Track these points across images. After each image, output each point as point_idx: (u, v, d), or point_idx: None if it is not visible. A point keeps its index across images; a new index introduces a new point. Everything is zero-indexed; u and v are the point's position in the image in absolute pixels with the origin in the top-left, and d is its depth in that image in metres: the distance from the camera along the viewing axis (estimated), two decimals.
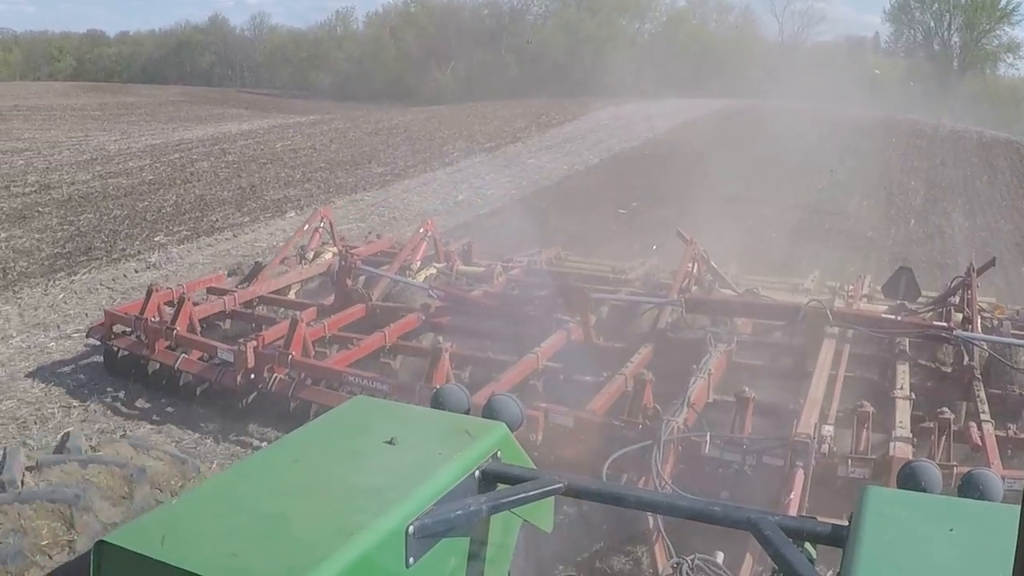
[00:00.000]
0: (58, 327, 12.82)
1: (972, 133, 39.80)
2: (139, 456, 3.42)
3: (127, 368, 10.48)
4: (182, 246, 18.50)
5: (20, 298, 14.39)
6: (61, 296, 14.66)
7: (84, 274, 16.14)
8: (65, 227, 20.05)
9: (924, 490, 2.79)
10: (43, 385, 10.59)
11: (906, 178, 28.41)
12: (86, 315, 13.28)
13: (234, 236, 19.72)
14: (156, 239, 19.03)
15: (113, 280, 15.77)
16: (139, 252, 17.80)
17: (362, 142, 35.78)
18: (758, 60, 71.69)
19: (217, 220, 21.21)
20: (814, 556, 2.62)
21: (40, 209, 21.96)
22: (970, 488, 2.77)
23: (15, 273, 16.04)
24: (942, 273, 16.48)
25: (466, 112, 46.35)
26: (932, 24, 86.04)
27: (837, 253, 18.08)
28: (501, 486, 2.91)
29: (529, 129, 38.56)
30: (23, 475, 3.16)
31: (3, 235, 19.14)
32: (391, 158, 31.24)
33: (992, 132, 40.39)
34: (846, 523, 2.55)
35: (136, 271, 16.42)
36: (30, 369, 11.08)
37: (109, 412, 9.82)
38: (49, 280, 15.52)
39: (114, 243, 18.60)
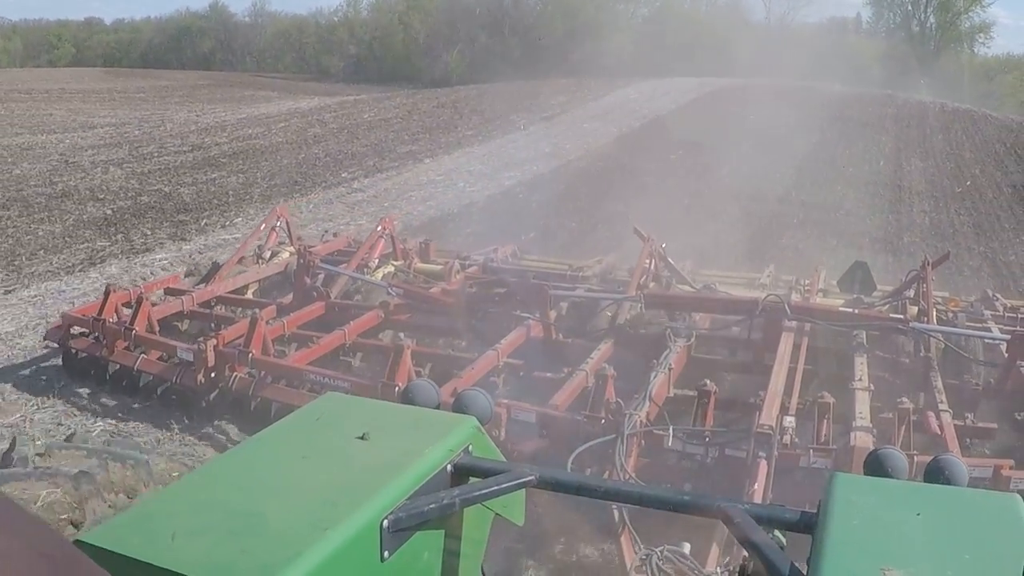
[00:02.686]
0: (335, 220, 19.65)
1: (936, 104, 45.81)
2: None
3: (86, 370, 10.41)
4: (365, 180, 25.49)
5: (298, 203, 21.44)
6: (311, 206, 21.76)
7: (314, 194, 23.38)
8: (254, 170, 27.03)
9: (890, 476, 2.82)
10: None
11: (879, 136, 34.38)
12: (349, 213, 20.91)
13: (397, 174, 26.50)
14: (343, 175, 26.36)
15: (338, 196, 23.04)
16: (340, 183, 25.09)
17: (435, 113, 42.24)
18: (747, 42, 74.92)
19: (373, 165, 28.14)
20: (784, 543, 2.64)
21: (220, 160, 29.06)
22: (936, 473, 2.79)
23: (257, 195, 23.34)
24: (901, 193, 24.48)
25: (509, 89, 51.71)
26: (910, 7, 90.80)
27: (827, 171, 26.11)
28: (473, 479, 2.92)
29: (571, 103, 44.06)
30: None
31: (212, 175, 26.21)
32: (471, 124, 37.54)
33: (954, 104, 46.70)
34: (814, 510, 2.58)
35: (349, 192, 23.61)
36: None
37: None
38: (294, 197, 22.57)
39: (316, 178, 25.71)
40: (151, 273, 15.35)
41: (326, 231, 15.54)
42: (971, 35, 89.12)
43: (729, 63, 61.44)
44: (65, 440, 3.42)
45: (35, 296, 14.23)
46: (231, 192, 23.66)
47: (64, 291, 14.44)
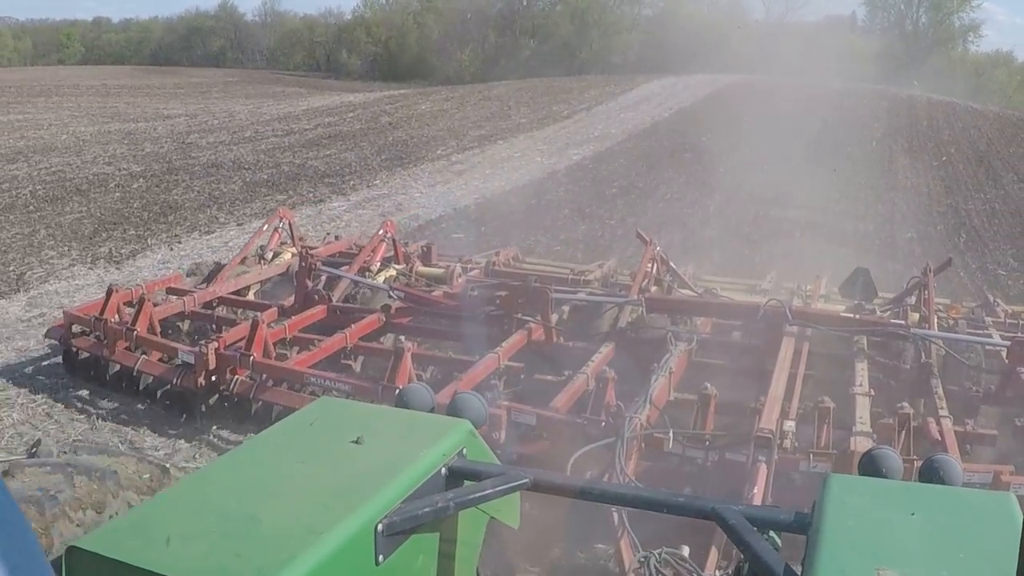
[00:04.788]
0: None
1: (924, 98, 50.59)
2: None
3: (87, 370, 10.41)
4: (458, 156, 29.82)
5: (400, 176, 26.16)
6: (426, 174, 26.58)
7: (424, 166, 27.87)
8: (358, 149, 31.23)
9: (885, 477, 2.82)
10: None
11: (873, 123, 38.28)
12: (459, 178, 25.78)
13: (481, 152, 30.70)
14: (438, 152, 30.59)
15: (444, 167, 27.67)
16: (438, 158, 29.38)
17: (483, 106, 45.85)
18: (748, 40, 78.95)
19: (457, 144, 32.15)
20: (779, 544, 2.64)
21: (321, 141, 33.30)
22: (931, 473, 2.80)
23: (377, 165, 28.02)
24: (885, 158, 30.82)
25: (542, 85, 56.06)
26: (903, 7, 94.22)
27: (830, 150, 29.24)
28: (467, 483, 2.92)
29: (603, 96, 48.21)
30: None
31: (325, 152, 30.35)
32: (521, 114, 41.53)
33: (939, 97, 51.47)
34: (809, 511, 2.58)
35: (450, 165, 28.10)
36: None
37: None
38: (409, 167, 27.47)
39: (416, 154, 29.80)
40: (336, 216, 20.83)
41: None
42: (963, 33, 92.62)
43: (733, 61, 63.46)
44: (28, 455, 3.39)
45: (237, 233, 18.88)
46: (353, 164, 28.04)
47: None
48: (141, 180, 24.65)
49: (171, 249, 17.47)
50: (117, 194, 22.71)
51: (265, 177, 25.63)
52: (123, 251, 17.11)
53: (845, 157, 27.91)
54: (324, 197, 22.88)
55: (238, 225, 19.66)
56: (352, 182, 24.91)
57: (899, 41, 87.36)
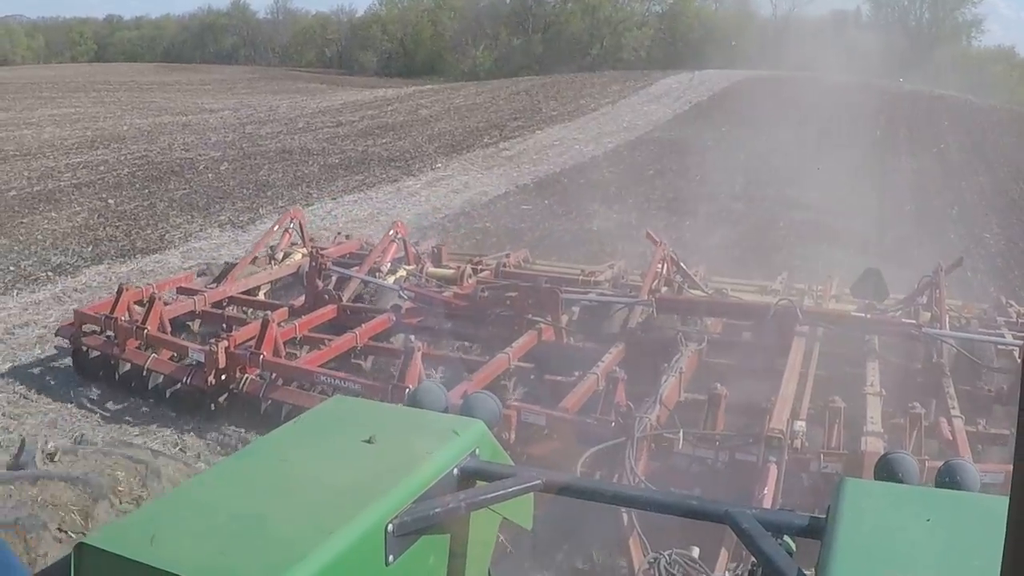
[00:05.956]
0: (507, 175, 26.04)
1: (926, 91, 51.84)
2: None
3: (97, 369, 10.41)
4: (504, 143, 31.99)
5: (457, 161, 28.19)
6: (480, 159, 28.77)
7: (476, 152, 30.08)
8: (410, 138, 33.26)
9: (901, 481, 2.80)
10: None
11: (877, 115, 38.51)
12: (510, 162, 28.09)
13: (523, 141, 32.76)
14: (484, 140, 32.64)
15: (494, 153, 29.93)
16: (487, 145, 31.63)
17: (513, 100, 47.27)
18: (755, 36, 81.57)
19: (499, 134, 34.07)
20: (793, 549, 2.62)
21: (374, 131, 35.38)
22: (947, 478, 2.78)
23: (432, 151, 30.01)
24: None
25: (563, 81, 57.29)
26: (906, 3, 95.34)
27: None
28: (480, 483, 2.91)
29: (624, 91, 49.45)
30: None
31: (381, 141, 32.45)
32: (552, 107, 43.12)
33: (939, 90, 53.31)
34: (823, 516, 2.56)
35: (498, 152, 30.16)
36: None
37: None
38: (463, 153, 29.68)
39: (466, 142, 32.01)
40: (414, 192, 23.23)
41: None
42: (966, 29, 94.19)
43: (742, 57, 66.09)
44: (13, 457, 3.38)
45: (333, 206, 21.61)
46: (410, 151, 29.95)
47: (353, 202, 22.12)
48: (226, 164, 27.13)
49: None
50: (210, 175, 25.30)
51: (336, 161, 27.93)
52: (241, 219, 19.78)
53: (853, 145, 28.88)
54: (397, 178, 25.20)
55: (332, 199, 22.16)
56: (418, 165, 27.13)
57: (903, 36, 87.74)
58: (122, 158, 27.89)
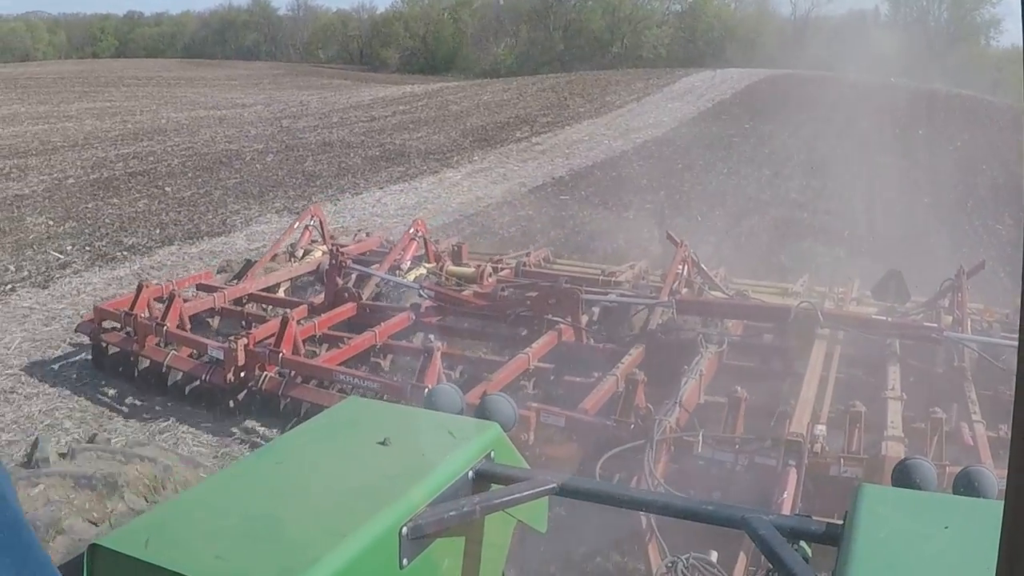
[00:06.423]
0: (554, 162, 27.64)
1: (943, 90, 51.75)
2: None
3: (116, 365, 10.44)
4: (536, 138, 32.71)
5: (493, 154, 29.17)
6: (515, 152, 29.56)
7: (509, 146, 30.79)
8: (445, 132, 34.31)
9: (919, 487, 2.77)
10: None
11: (894, 112, 38.27)
12: (544, 155, 28.86)
13: (554, 136, 33.40)
14: (516, 135, 33.54)
15: (527, 147, 30.60)
16: (519, 139, 32.43)
17: (541, 96, 48.04)
18: (774, 35, 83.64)
19: (531, 129, 34.96)
20: (809, 555, 2.60)
21: (408, 125, 36.49)
22: (965, 485, 2.75)
23: (468, 144, 31.01)
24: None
25: (588, 79, 57.56)
26: (924, 3, 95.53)
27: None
28: (495, 486, 2.90)
29: (648, 89, 49.97)
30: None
31: (416, 135, 33.49)
32: (579, 104, 44.17)
33: (955, 89, 53.70)
34: (840, 522, 2.54)
35: (531, 146, 30.89)
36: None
37: None
38: (497, 147, 30.44)
39: (498, 137, 32.71)
40: (456, 183, 24.12)
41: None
42: (984, 29, 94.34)
43: (762, 56, 67.89)
44: (27, 455, 3.38)
45: (381, 195, 22.52)
46: (445, 144, 30.94)
47: (400, 191, 23.00)
48: (271, 155, 28.41)
49: (334, 205, 20.93)
50: (258, 166, 26.50)
51: (377, 154, 28.84)
52: (295, 206, 20.31)
53: (874, 144, 29.19)
54: (437, 169, 26.11)
55: (379, 188, 23.20)
56: (456, 158, 28.07)
57: (922, 36, 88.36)
58: (168, 149, 29.32)
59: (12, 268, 15.10)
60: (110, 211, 19.77)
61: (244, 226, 18.77)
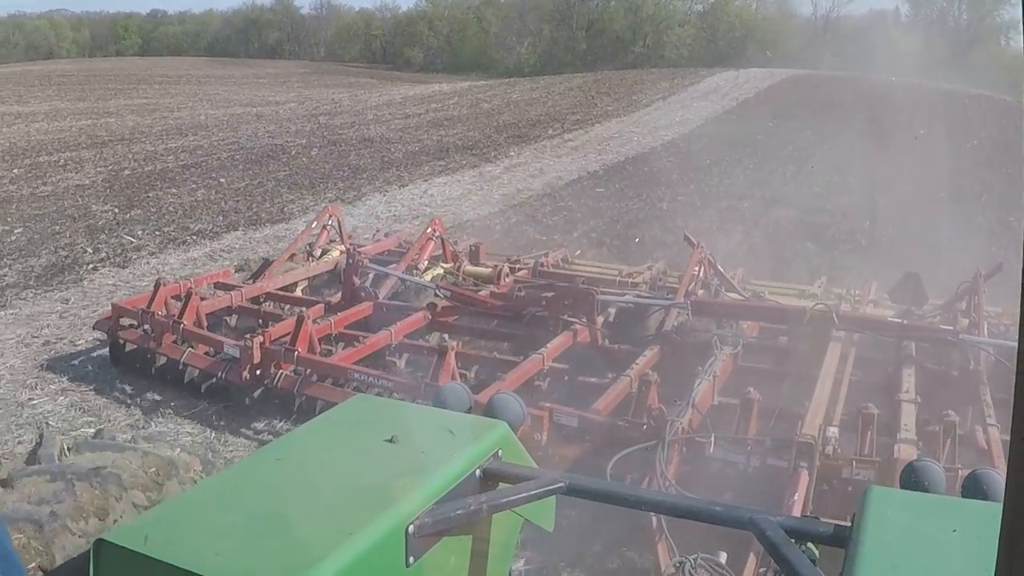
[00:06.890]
0: (587, 157, 28.38)
1: (960, 90, 51.64)
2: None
3: (133, 362, 10.50)
4: (568, 135, 33.42)
5: (528, 150, 29.69)
6: (548, 148, 30.31)
7: (542, 142, 31.39)
8: (479, 129, 34.85)
9: (927, 490, 2.77)
10: None
11: (914, 110, 38.66)
12: (577, 151, 29.58)
13: (585, 132, 33.98)
14: (549, 132, 34.20)
15: (559, 144, 31.28)
16: (552, 136, 33.05)
17: (569, 95, 48.96)
18: (796, 36, 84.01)
19: (561, 127, 35.57)
20: (816, 556, 2.60)
21: (443, 123, 37.33)
22: (974, 488, 2.75)
23: (503, 140, 31.70)
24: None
25: (614, 78, 58.77)
26: (944, 3, 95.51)
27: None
28: (502, 485, 2.90)
29: (673, 88, 50.62)
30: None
31: (451, 131, 34.22)
32: (606, 102, 44.78)
33: (974, 89, 52.85)
34: (849, 523, 2.54)
35: (563, 142, 31.58)
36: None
37: None
38: (530, 144, 31.06)
39: (531, 134, 33.46)
40: (495, 177, 24.85)
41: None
42: (1004, 30, 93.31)
43: (784, 56, 68.28)
44: (26, 462, 3.38)
45: (427, 187, 23.26)
46: (481, 140, 31.76)
47: (444, 184, 23.70)
48: (315, 150, 29.40)
49: (383, 195, 22.17)
50: (304, 159, 27.47)
51: (417, 149, 29.79)
52: (347, 196, 21.57)
53: (890, 137, 29.70)
54: (477, 164, 26.89)
55: (424, 181, 23.97)
56: (493, 153, 28.90)
57: (941, 37, 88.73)
58: (214, 143, 30.61)
59: (90, 250, 16.25)
60: (171, 200, 20.89)
61: (302, 213, 19.57)
